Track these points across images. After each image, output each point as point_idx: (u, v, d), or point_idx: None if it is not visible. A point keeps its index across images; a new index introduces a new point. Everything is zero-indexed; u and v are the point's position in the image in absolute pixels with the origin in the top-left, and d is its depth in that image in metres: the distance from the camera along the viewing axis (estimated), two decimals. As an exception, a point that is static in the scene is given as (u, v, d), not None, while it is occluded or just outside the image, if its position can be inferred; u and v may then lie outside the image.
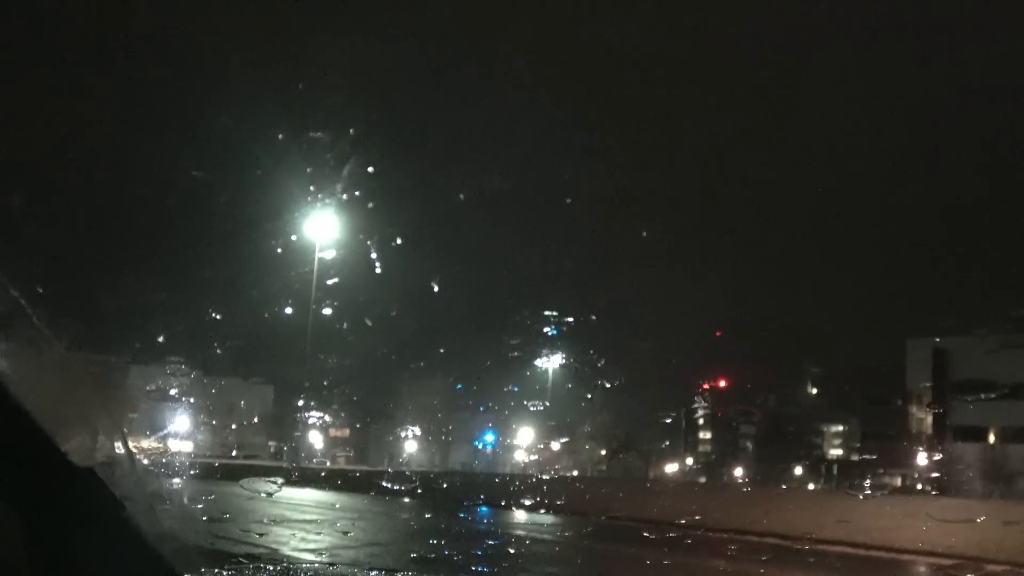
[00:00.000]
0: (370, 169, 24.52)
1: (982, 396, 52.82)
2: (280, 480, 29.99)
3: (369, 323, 33.33)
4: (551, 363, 53.01)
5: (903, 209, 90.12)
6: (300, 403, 53.00)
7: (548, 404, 57.79)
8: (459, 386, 60.60)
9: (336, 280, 30.05)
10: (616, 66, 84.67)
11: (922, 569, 18.45)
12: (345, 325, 32.11)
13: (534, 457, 67.65)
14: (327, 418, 60.46)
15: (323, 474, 41.92)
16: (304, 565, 7.38)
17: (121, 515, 2.59)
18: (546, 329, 41.40)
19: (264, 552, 12.02)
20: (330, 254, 30.24)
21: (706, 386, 74.42)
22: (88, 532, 2.47)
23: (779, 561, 17.60)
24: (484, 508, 28.71)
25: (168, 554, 2.80)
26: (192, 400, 38.99)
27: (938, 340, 57.56)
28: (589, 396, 59.99)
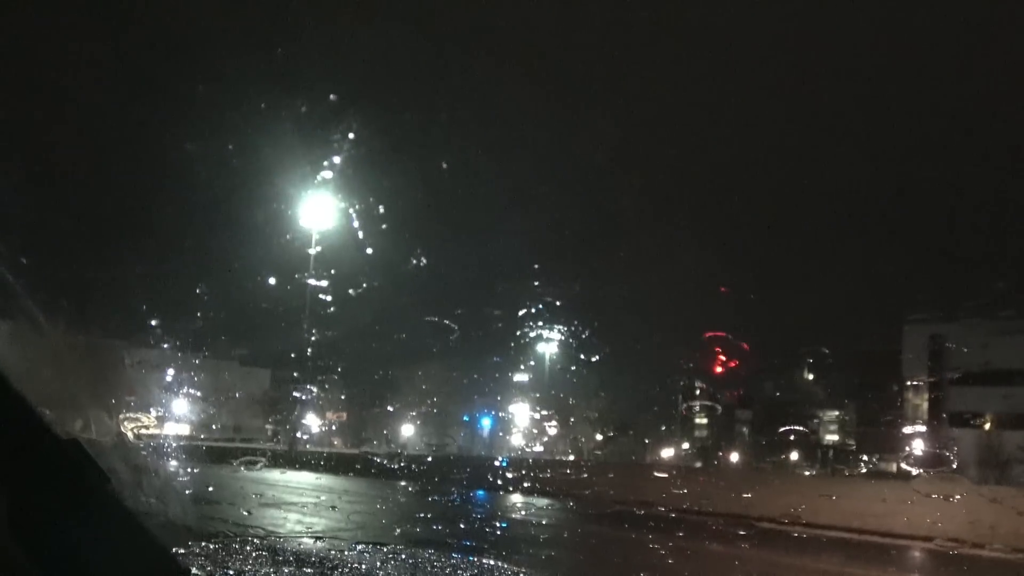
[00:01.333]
0: (352, 135, 24.13)
1: (978, 382, 53.00)
2: (263, 460, 30.20)
3: (366, 308, 33.23)
4: (550, 349, 53.12)
5: (902, 194, 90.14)
6: (296, 387, 53.13)
7: (546, 389, 57.99)
8: (455, 372, 60.63)
9: (332, 263, 29.91)
10: (614, 35, 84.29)
11: (915, 553, 18.53)
12: (343, 310, 32.00)
13: (531, 441, 67.79)
14: (323, 402, 60.62)
15: (316, 456, 42.04)
16: (291, 539, 7.39)
17: (106, 488, 2.57)
18: (541, 314, 41.37)
19: (250, 528, 12.10)
20: (326, 238, 30.09)
21: (703, 371, 74.55)
22: (72, 504, 2.45)
23: (765, 542, 17.74)
24: (474, 490, 28.76)
25: (154, 528, 2.79)
26: (189, 383, 38.98)
27: (935, 327, 57.64)
28: (584, 378, 60.03)
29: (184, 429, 46.08)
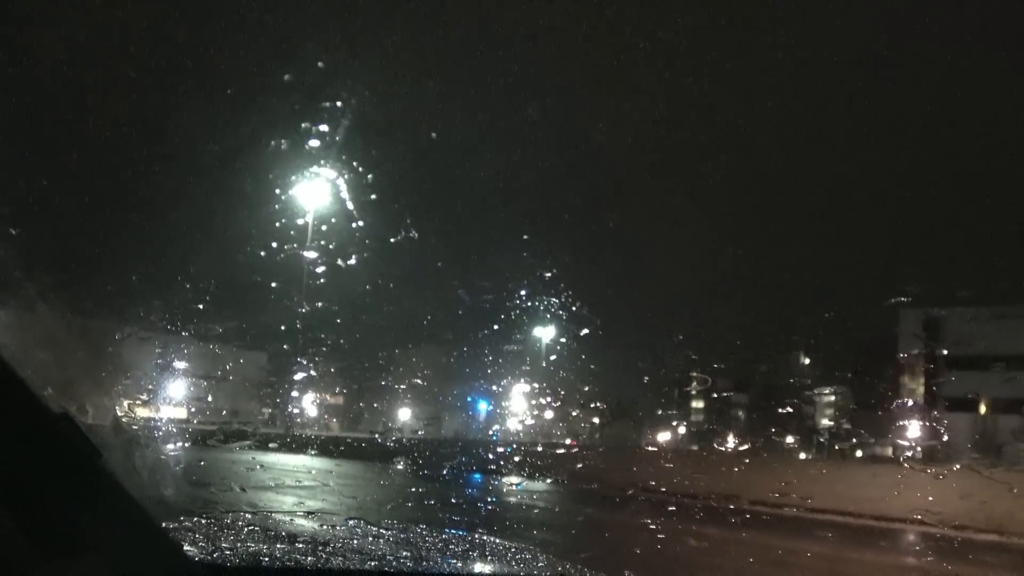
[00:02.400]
0: (341, 104, 23.86)
1: (973, 366, 53.18)
2: (258, 441, 30.35)
3: (357, 283, 33.05)
4: (544, 326, 53.02)
5: (899, 177, 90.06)
6: (291, 369, 53.10)
7: (540, 369, 57.95)
8: (448, 347, 60.59)
9: (324, 236, 29.67)
10: (616, 9, 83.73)
11: (911, 537, 18.62)
12: (334, 287, 31.82)
13: (526, 425, 67.88)
14: (318, 383, 60.73)
15: (310, 437, 42.22)
16: (283, 515, 7.42)
17: (98, 462, 2.58)
18: (535, 287, 41.21)
19: (244, 505, 12.21)
20: (316, 211, 29.89)
21: (699, 357, 74.54)
22: (63, 478, 2.46)
23: (758, 523, 17.86)
24: (467, 469, 28.96)
25: (146, 503, 2.79)
26: (186, 367, 38.94)
27: (931, 311, 57.75)
28: (580, 358, 59.93)
29: (180, 412, 46.08)
